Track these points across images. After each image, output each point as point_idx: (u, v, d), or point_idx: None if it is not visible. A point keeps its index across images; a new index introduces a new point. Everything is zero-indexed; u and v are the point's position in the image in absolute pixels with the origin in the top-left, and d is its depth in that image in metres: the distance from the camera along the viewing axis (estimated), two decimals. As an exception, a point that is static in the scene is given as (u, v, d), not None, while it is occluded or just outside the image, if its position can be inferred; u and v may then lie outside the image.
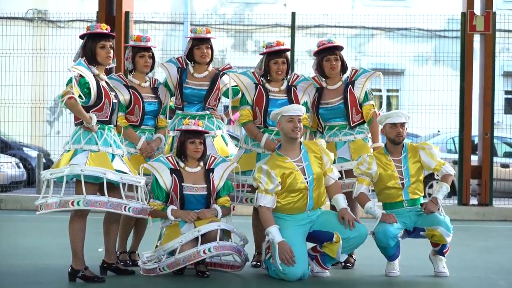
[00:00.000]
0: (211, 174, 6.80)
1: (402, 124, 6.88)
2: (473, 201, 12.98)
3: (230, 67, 7.48)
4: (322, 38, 7.64)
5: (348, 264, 7.22)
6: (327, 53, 7.26)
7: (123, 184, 6.36)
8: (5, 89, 14.43)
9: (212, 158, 6.89)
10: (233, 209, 7.06)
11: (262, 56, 7.23)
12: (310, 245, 6.85)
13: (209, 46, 7.31)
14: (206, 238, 6.57)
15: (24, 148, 16.46)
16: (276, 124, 6.83)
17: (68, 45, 13.83)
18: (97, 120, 6.32)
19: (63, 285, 6.32)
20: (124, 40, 12.97)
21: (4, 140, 16.11)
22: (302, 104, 7.14)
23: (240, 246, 6.77)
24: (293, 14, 13.36)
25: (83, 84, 6.28)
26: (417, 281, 6.77)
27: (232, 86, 7.31)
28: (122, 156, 6.50)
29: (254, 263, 7.26)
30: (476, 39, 13.05)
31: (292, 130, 6.63)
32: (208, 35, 7.31)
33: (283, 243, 6.51)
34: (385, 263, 6.93)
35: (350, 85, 7.25)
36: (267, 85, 7.18)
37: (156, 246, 6.77)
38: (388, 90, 18.82)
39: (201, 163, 6.83)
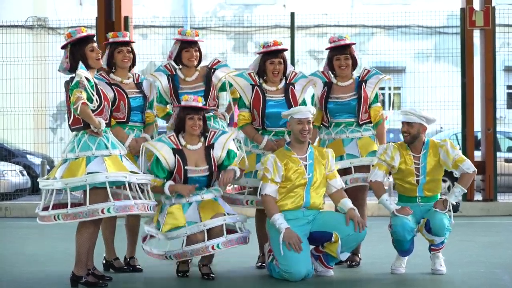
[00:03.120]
0: (211, 151, 6.78)
1: (409, 124, 6.87)
2: (478, 196, 12.96)
3: (219, 62, 7.47)
4: (322, 38, 7.65)
5: (354, 263, 7.21)
6: (337, 52, 7.25)
7: (129, 184, 6.34)
8: (7, 97, 14.44)
9: (212, 133, 6.86)
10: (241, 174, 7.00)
11: (258, 55, 7.21)
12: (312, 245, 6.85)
13: (197, 49, 7.31)
14: (212, 231, 6.59)
15: (28, 156, 16.48)
16: (286, 124, 6.84)
17: (69, 51, 13.82)
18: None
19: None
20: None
21: (8, 148, 16.12)
22: (301, 103, 7.16)
23: (245, 233, 6.78)
24: (292, 14, 13.35)
25: (91, 87, 6.23)
26: (421, 278, 6.75)
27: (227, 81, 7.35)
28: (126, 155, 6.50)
29: (259, 264, 7.25)
30: (476, 34, 13.04)
31: (300, 132, 6.66)
32: (196, 38, 7.29)
33: (290, 230, 6.53)
34: (391, 261, 6.92)
35: (363, 83, 7.26)
36: (264, 85, 7.18)
37: (157, 221, 6.72)
38: (389, 88, 18.77)
39: (202, 139, 6.81)
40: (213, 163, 6.77)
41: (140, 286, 6.60)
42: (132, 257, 7.28)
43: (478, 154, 12.97)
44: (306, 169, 6.69)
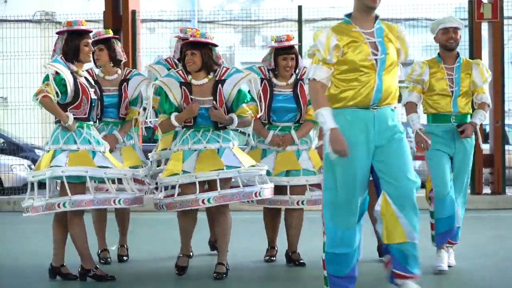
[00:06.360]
0: (219, 85, 6.61)
1: (455, 29, 6.76)
2: (486, 190, 12.93)
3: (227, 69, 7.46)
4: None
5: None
6: None
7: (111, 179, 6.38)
8: (15, 91, 14.47)
9: (224, 69, 6.67)
10: (255, 119, 6.84)
11: (270, 49, 7.16)
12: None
13: None
14: (213, 185, 6.40)
15: (36, 150, 16.49)
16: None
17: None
18: (76, 118, 6.27)
19: (75, 284, 6.37)
20: (132, 39, 13.03)
21: (16, 143, 16.15)
22: (309, 99, 7.10)
23: (246, 187, 6.40)
24: (300, 7, 13.33)
25: (58, 81, 6.21)
26: (428, 271, 6.70)
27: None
28: (104, 152, 6.41)
29: (267, 258, 7.24)
30: (484, 27, 13.00)
31: None
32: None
33: (336, 131, 4.99)
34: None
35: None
36: (274, 79, 7.14)
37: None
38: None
39: (209, 75, 6.62)
40: (218, 97, 6.57)
41: (143, 280, 6.59)
42: (122, 245, 7.39)
43: (486, 147, 12.91)
44: (374, 47, 5.15)
